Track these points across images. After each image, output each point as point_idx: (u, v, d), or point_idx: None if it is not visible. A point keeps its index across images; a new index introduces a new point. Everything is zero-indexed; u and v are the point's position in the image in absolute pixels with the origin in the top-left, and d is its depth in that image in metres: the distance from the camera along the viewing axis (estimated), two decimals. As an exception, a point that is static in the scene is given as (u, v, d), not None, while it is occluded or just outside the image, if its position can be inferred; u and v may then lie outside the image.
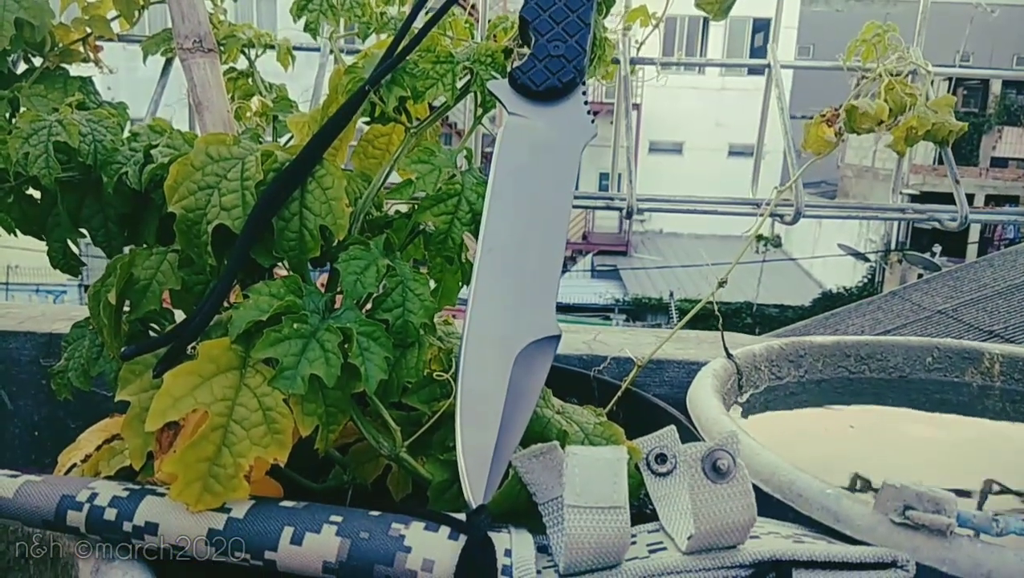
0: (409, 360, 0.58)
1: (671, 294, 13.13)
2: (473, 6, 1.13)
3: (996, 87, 14.12)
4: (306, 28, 0.81)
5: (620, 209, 0.90)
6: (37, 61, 0.91)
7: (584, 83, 0.63)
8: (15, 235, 0.77)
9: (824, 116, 0.87)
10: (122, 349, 0.50)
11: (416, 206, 0.64)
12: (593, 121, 0.63)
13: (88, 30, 0.94)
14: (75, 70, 0.93)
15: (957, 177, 0.88)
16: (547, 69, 0.62)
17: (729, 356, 0.82)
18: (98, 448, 0.66)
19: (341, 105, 0.63)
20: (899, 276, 12.68)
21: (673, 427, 0.58)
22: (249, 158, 0.59)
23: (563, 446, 0.58)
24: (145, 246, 0.73)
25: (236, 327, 0.51)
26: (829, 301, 12.80)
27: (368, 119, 0.71)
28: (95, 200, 0.75)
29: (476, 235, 0.62)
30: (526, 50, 0.67)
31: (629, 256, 16.14)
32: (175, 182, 0.59)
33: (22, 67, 0.92)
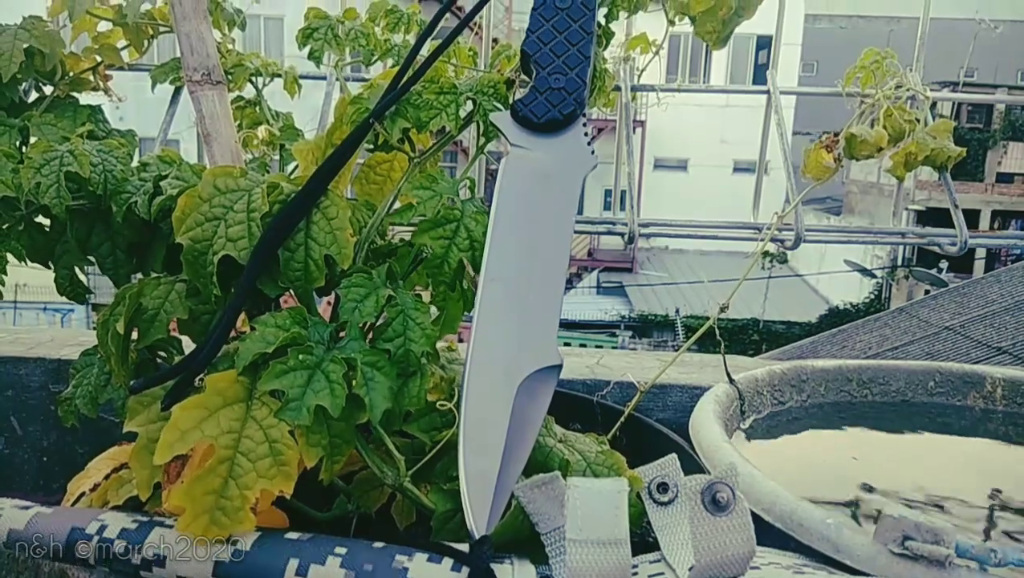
0: (411, 389, 0.59)
1: (677, 311, 13.11)
2: (479, 24, 1.14)
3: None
4: (310, 56, 0.83)
5: (622, 234, 0.90)
6: (48, 89, 0.93)
7: (585, 115, 0.64)
8: (25, 263, 0.79)
9: (823, 142, 0.88)
10: (131, 383, 0.51)
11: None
12: (593, 152, 0.64)
13: (98, 59, 0.95)
14: (85, 98, 0.95)
15: (956, 202, 0.89)
16: (548, 102, 0.63)
17: (731, 381, 0.83)
18: (107, 477, 0.66)
19: (346, 137, 0.64)
20: (906, 292, 12.65)
21: (674, 455, 0.58)
22: (255, 190, 0.60)
23: (565, 475, 0.59)
24: (153, 275, 0.75)
25: (243, 359, 0.52)
26: (836, 317, 12.76)
27: (371, 147, 0.72)
28: (104, 228, 0.76)
29: (473, 261, 0.63)
30: (527, 79, 0.68)
31: (635, 273, 16.13)
32: (183, 213, 0.60)
33: (33, 95, 0.93)
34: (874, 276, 13.92)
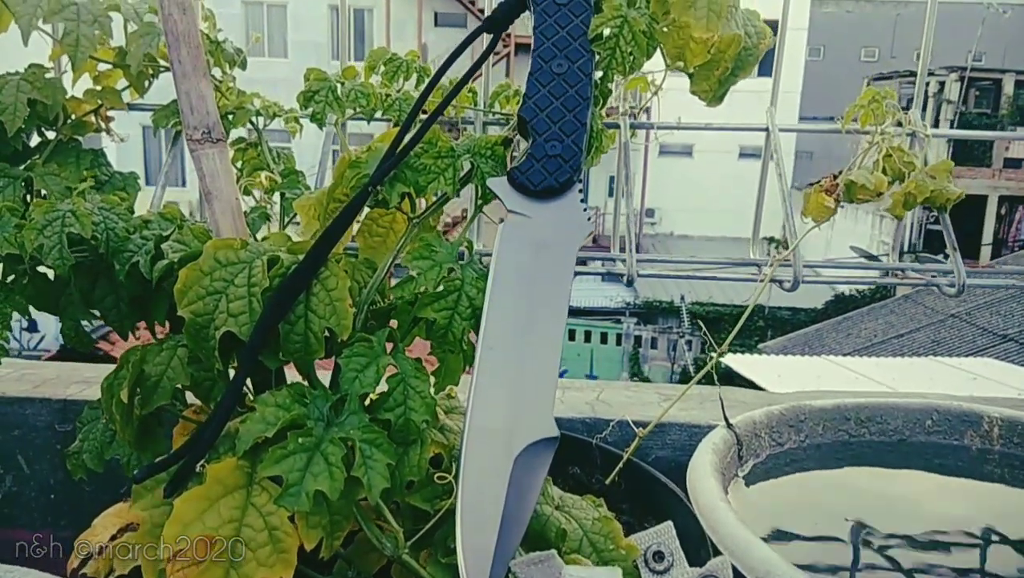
0: (411, 458, 0.60)
1: (682, 298, 13.09)
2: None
3: (1009, 87, 14.02)
4: (313, 119, 0.83)
5: (621, 275, 0.91)
6: (50, 134, 0.93)
7: (580, 181, 0.65)
8: (28, 316, 0.80)
9: (823, 185, 0.88)
10: (134, 473, 0.52)
11: (419, 295, 0.65)
12: (590, 219, 0.64)
13: (99, 101, 0.96)
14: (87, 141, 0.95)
15: (955, 244, 0.89)
16: (544, 169, 0.64)
17: (729, 426, 0.83)
18: (112, 537, 0.68)
19: (344, 207, 0.65)
20: (912, 278, 12.60)
21: (670, 523, 0.59)
22: (256, 263, 0.61)
23: (562, 544, 0.60)
24: (156, 326, 0.76)
25: (243, 442, 0.53)
26: (841, 304, 12.74)
27: (372, 204, 0.72)
28: (107, 282, 0.77)
29: (476, 328, 0.63)
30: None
31: (640, 259, 16.09)
32: (184, 286, 0.61)
33: (35, 139, 0.94)
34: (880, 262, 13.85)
